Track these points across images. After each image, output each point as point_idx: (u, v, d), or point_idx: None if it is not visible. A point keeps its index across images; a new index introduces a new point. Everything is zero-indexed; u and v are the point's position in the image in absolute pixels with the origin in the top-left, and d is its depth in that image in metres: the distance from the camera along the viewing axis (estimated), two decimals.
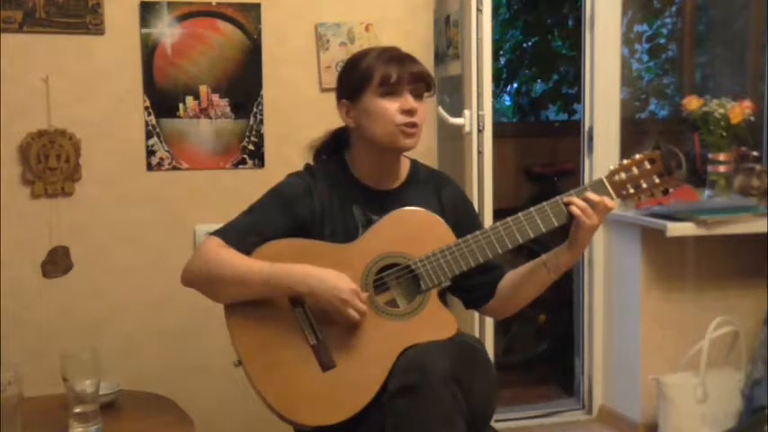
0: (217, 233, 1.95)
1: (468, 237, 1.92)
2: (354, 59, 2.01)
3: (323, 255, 1.90)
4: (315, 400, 1.85)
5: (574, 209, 1.88)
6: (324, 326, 1.88)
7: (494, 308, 2.07)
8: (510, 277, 2.04)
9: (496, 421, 1.99)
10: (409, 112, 1.92)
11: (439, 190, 2.07)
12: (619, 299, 3.36)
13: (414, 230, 1.94)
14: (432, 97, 2.04)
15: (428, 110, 1.99)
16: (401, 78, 1.92)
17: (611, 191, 1.92)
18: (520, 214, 1.91)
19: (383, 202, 1.99)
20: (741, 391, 3.04)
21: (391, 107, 1.92)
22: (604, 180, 1.93)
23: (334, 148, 2.08)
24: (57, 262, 2.76)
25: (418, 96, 1.95)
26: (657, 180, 1.92)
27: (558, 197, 1.92)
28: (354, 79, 1.97)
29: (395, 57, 1.95)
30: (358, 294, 1.85)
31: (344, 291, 1.83)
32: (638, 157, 1.94)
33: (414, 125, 1.93)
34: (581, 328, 3.52)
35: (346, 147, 2.06)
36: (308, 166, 2.08)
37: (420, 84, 1.95)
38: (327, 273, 1.86)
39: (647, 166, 1.93)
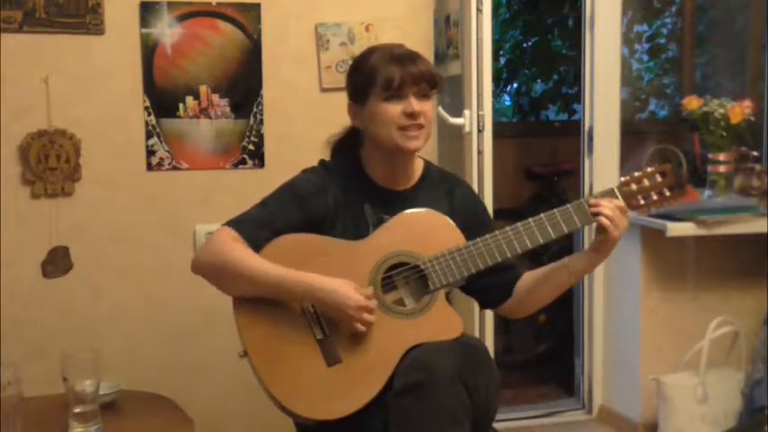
0: (230, 224, 1.95)
1: (478, 239, 1.93)
2: (359, 60, 2.01)
3: (332, 252, 1.91)
4: (319, 394, 1.86)
5: (603, 220, 1.88)
6: (331, 321, 1.89)
7: (510, 308, 2.08)
8: (529, 278, 2.05)
9: (496, 421, 1.99)
10: (412, 115, 1.92)
11: (451, 192, 2.08)
12: (619, 299, 3.36)
13: (423, 231, 1.95)
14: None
15: (433, 108, 1.99)
16: (403, 81, 1.91)
17: (622, 201, 1.93)
18: (530, 219, 1.92)
19: (395, 201, 1.99)
20: (741, 391, 3.04)
21: (394, 111, 1.92)
22: (615, 190, 1.94)
23: (350, 145, 2.08)
24: (57, 262, 2.76)
25: (423, 96, 1.94)
26: (668, 193, 1.95)
27: (568, 205, 1.93)
28: (359, 81, 1.97)
29: (396, 58, 1.94)
30: (366, 308, 1.85)
31: (352, 306, 1.84)
32: (649, 169, 1.96)
33: (418, 127, 1.93)
34: (581, 328, 3.52)
35: (360, 145, 2.06)
36: (322, 163, 2.08)
37: (423, 84, 1.93)
38: (337, 284, 1.86)
39: (659, 178, 1.95)
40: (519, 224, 1.93)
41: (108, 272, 2.81)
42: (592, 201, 1.92)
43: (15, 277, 2.71)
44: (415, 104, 1.92)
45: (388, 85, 1.91)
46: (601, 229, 1.91)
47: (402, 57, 1.94)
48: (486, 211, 2.21)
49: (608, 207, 1.90)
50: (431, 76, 1.95)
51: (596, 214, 1.90)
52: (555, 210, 1.93)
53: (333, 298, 1.85)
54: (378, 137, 1.96)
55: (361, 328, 1.85)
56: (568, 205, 1.94)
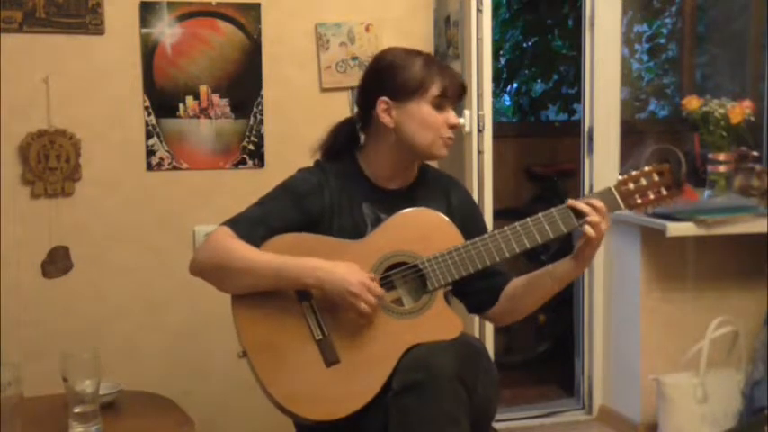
0: (226, 223, 1.96)
1: (477, 239, 1.93)
2: (403, 61, 2.00)
3: (330, 251, 1.91)
4: (318, 394, 1.86)
5: (587, 227, 1.88)
6: (329, 321, 1.89)
7: (496, 314, 2.08)
8: (514, 284, 2.05)
9: (496, 421, 1.99)
10: (454, 127, 1.99)
11: (447, 192, 2.09)
12: (619, 299, 3.36)
13: (422, 230, 1.96)
14: None
15: None
16: (455, 93, 1.99)
17: (619, 200, 1.93)
18: (528, 219, 1.92)
19: (392, 201, 2.00)
20: (741, 392, 3.04)
21: (440, 118, 1.97)
22: (613, 189, 1.94)
23: (344, 146, 2.08)
24: (57, 262, 2.76)
25: (454, 109, 2.02)
26: (665, 192, 1.94)
27: (567, 202, 1.93)
28: (406, 81, 1.96)
29: (449, 70, 2.02)
30: (368, 286, 1.85)
31: (354, 284, 1.84)
32: (647, 168, 1.96)
33: (452, 138, 2.01)
34: (581, 328, 3.52)
35: (356, 145, 2.07)
36: (318, 163, 2.08)
37: (462, 99, 2.04)
38: (338, 265, 1.87)
39: (656, 177, 1.95)
40: (517, 224, 1.93)
41: (108, 272, 2.81)
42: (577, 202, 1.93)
43: (15, 277, 2.71)
44: (456, 118, 2.00)
45: (443, 94, 1.96)
46: (582, 235, 1.91)
47: (453, 71, 2.04)
48: (481, 214, 2.22)
49: (589, 209, 1.89)
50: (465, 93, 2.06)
51: (577, 211, 1.90)
52: (552, 209, 1.93)
53: (335, 278, 1.85)
54: (414, 138, 1.97)
55: (364, 307, 1.84)
56: (566, 202, 1.94)
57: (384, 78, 2.00)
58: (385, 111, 1.98)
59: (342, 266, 1.86)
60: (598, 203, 1.90)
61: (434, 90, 1.95)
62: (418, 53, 2.02)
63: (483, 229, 2.06)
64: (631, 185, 1.95)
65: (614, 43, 3.38)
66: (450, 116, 1.98)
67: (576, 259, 1.95)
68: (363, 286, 1.84)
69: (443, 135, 1.97)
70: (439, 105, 1.97)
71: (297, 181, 2.02)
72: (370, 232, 1.96)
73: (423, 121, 1.96)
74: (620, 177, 1.97)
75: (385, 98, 1.98)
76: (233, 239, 1.91)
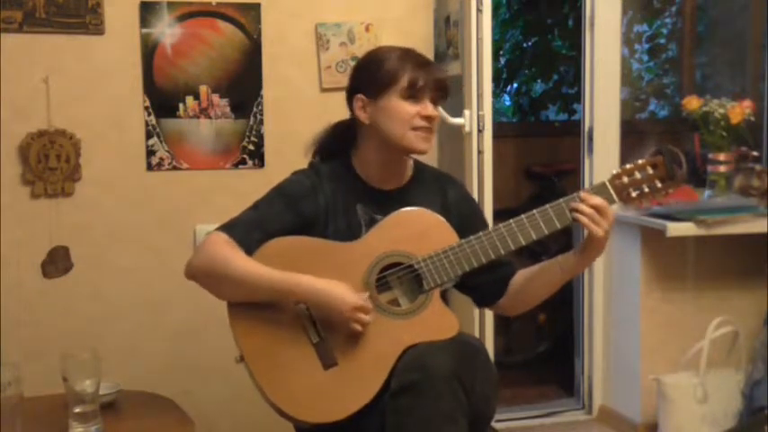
0: (222, 228, 1.95)
1: (471, 237, 1.93)
2: (378, 57, 2.00)
3: (326, 253, 1.91)
4: (316, 397, 1.86)
5: (582, 218, 1.88)
6: (326, 324, 1.89)
7: (505, 305, 2.08)
8: (522, 274, 2.05)
9: (496, 421, 1.99)
10: (427, 119, 1.95)
11: (444, 190, 2.08)
12: (619, 299, 3.36)
13: (417, 230, 1.95)
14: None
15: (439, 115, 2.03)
16: (426, 85, 1.94)
17: (613, 194, 1.92)
18: (522, 216, 1.92)
19: (387, 201, 1.99)
20: (741, 392, 3.04)
21: (411, 110, 1.94)
22: (607, 183, 1.93)
23: (339, 146, 2.08)
24: (57, 262, 2.76)
25: (434, 102, 1.97)
26: (660, 185, 1.93)
27: (560, 200, 1.93)
28: (377, 77, 1.96)
29: (422, 62, 1.98)
30: (362, 309, 1.85)
31: (348, 307, 1.84)
32: (640, 161, 1.95)
33: (429, 130, 1.96)
34: (581, 328, 3.52)
35: (351, 146, 2.07)
36: (312, 164, 2.08)
37: (440, 92, 1.98)
38: (333, 285, 1.86)
39: (650, 170, 1.94)
40: (512, 221, 1.93)
41: (108, 272, 2.81)
42: (583, 195, 1.92)
43: (15, 277, 2.71)
44: (431, 108, 1.95)
45: (412, 86, 1.93)
46: (586, 233, 1.91)
47: (427, 63, 2.00)
48: (480, 210, 2.21)
49: (586, 206, 1.89)
50: (446, 86, 2.00)
51: (573, 210, 1.90)
52: (547, 205, 1.93)
53: (327, 300, 1.85)
54: (388, 134, 1.96)
55: (357, 327, 1.85)
56: (561, 200, 1.93)
57: (361, 76, 2.01)
58: (360, 108, 1.98)
59: (337, 287, 1.86)
60: (600, 202, 1.89)
61: (403, 81, 1.93)
62: (397, 49, 2.01)
63: (483, 225, 2.05)
64: (625, 179, 1.94)
65: (614, 43, 3.38)
66: (424, 108, 1.94)
67: (581, 254, 1.95)
68: (356, 309, 1.85)
69: (415, 126, 1.94)
70: (411, 97, 1.94)
71: (291, 184, 2.02)
72: (365, 233, 1.96)
73: (393, 113, 1.94)
74: (614, 171, 1.96)
75: (360, 95, 1.98)
76: (227, 246, 1.90)
